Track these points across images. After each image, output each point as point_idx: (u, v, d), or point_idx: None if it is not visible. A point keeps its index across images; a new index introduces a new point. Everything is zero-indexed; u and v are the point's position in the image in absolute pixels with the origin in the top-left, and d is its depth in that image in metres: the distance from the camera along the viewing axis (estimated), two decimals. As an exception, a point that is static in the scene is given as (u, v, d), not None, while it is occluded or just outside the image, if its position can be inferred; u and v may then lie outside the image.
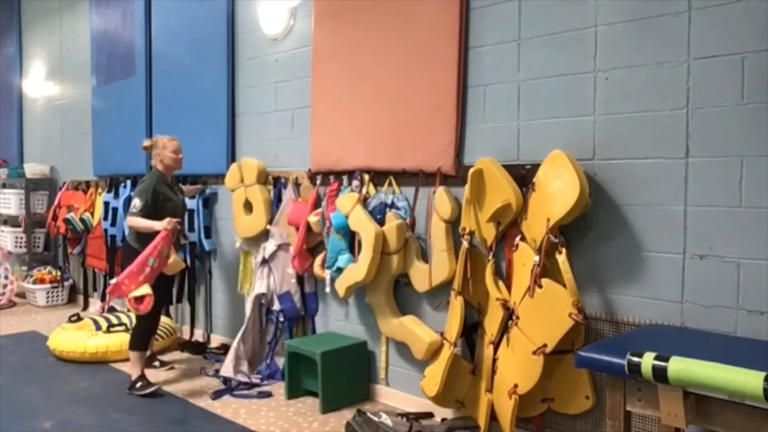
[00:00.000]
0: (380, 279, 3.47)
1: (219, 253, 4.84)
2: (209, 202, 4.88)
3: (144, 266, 3.70)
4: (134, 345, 3.89)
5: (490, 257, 2.99)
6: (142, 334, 3.92)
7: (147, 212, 3.79)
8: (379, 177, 3.62)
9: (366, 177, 3.66)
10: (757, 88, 2.30)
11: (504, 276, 3.02)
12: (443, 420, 3.23)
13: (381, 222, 3.48)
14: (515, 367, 2.76)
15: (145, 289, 3.67)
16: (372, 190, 3.64)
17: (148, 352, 4.17)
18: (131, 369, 3.89)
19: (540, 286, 2.62)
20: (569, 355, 2.70)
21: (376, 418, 3.13)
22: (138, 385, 3.80)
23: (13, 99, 7.61)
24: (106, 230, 5.54)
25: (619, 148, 2.66)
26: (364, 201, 3.57)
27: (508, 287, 2.94)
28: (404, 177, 3.51)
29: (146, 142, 4.05)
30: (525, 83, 2.98)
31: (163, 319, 4.98)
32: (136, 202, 3.81)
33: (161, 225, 3.72)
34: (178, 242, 4.02)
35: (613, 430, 2.06)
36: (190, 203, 4.87)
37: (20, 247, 6.81)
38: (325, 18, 3.92)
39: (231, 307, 4.72)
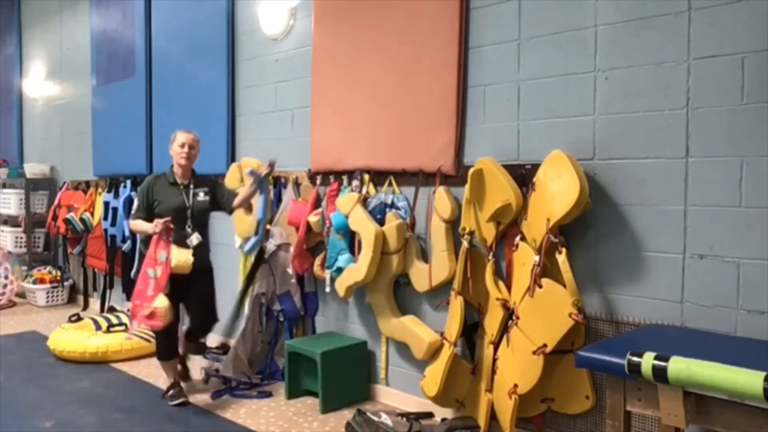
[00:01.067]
0: (380, 279, 3.47)
1: (219, 253, 4.82)
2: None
3: (147, 279, 3.50)
4: (157, 355, 3.82)
5: (490, 257, 2.99)
6: (161, 343, 3.74)
7: (147, 214, 3.61)
8: (379, 177, 3.62)
9: (366, 177, 3.66)
10: (757, 88, 2.30)
11: (504, 276, 3.02)
12: (443, 420, 3.23)
13: (381, 222, 3.48)
14: (515, 367, 2.76)
15: (159, 301, 3.41)
16: (372, 190, 3.64)
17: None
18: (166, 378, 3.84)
19: (540, 286, 2.62)
20: (569, 355, 2.70)
21: (376, 418, 3.13)
22: (169, 393, 3.70)
23: (13, 99, 7.62)
24: (106, 230, 5.54)
25: (619, 148, 2.66)
26: (364, 201, 3.57)
27: (508, 287, 2.94)
28: (404, 177, 3.51)
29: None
30: (525, 83, 2.98)
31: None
32: (135, 204, 3.76)
33: (151, 228, 3.49)
34: (182, 240, 3.59)
35: (613, 430, 2.06)
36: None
37: (20, 247, 6.81)
38: (325, 18, 3.92)
39: (231, 307, 4.71)
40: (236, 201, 3.70)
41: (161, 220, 3.46)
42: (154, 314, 3.42)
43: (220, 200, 3.72)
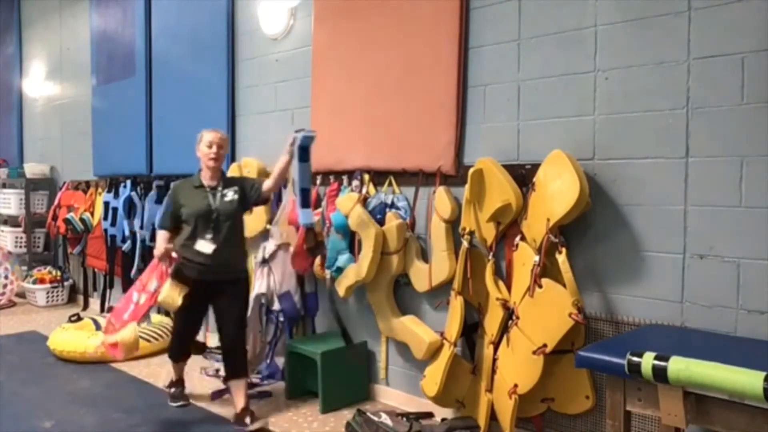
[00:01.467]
0: (380, 279, 3.47)
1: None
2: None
3: (129, 302, 3.31)
4: (168, 352, 3.73)
5: (490, 257, 2.99)
6: (173, 343, 3.66)
7: (173, 223, 3.39)
8: (379, 177, 3.62)
9: (366, 177, 3.66)
10: (757, 88, 2.30)
11: (504, 276, 3.02)
12: (443, 420, 3.22)
13: (381, 222, 3.48)
14: (515, 367, 2.76)
15: (126, 333, 3.25)
16: (372, 190, 3.64)
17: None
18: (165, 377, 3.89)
19: (540, 286, 2.62)
20: (569, 354, 2.70)
21: (376, 418, 3.13)
22: (171, 391, 3.70)
23: (13, 99, 7.61)
24: (106, 230, 5.53)
25: (619, 148, 2.66)
26: (364, 201, 3.57)
27: (508, 287, 2.94)
28: (404, 177, 3.51)
29: None
30: (525, 83, 2.98)
31: (163, 319, 4.99)
32: (161, 212, 3.48)
33: (156, 250, 3.37)
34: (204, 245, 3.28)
35: (613, 430, 2.06)
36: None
37: (20, 247, 6.81)
38: (325, 18, 3.92)
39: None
40: (268, 183, 3.39)
41: (164, 247, 3.33)
42: (116, 345, 3.34)
43: (250, 192, 3.39)
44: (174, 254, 3.34)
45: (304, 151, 3.27)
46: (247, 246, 3.56)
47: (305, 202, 3.32)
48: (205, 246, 3.25)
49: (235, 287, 3.40)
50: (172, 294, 3.23)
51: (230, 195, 3.35)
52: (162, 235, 3.42)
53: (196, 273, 3.29)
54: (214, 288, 3.34)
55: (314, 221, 3.40)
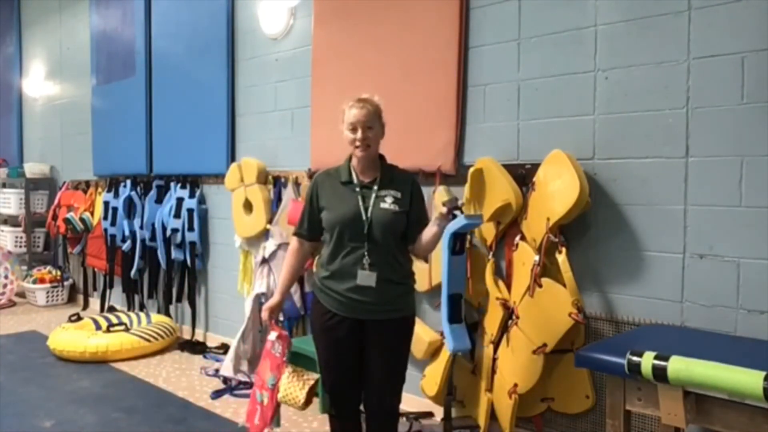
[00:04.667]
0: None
1: (219, 253, 4.84)
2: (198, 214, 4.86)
3: (255, 402, 2.73)
4: None
5: (490, 257, 2.99)
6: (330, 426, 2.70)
7: (312, 230, 2.53)
8: (379, 177, 3.62)
9: (366, 177, 3.65)
10: (757, 88, 2.30)
11: (504, 275, 3.02)
12: (443, 420, 3.22)
13: (381, 222, 3.47)
14: (515, 367, 2.77)
15: None
16: (372, 189, 3.63)
17: None
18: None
19: (540, 286, 2.63)
20: (569, 354, 2.70)
21: (376, 418, 3.12)
22: None
23: (13, 99, 7.61)
24: (106, 230, 5.54)
25: (619, 147, 2.67)
26: (364, 201, 3.55)
27: (508, 286, 2.94)
28: (404, 177, 3.50)
29: None
30: (525, 83, 2.98)
31: (164, 318, 5.00)
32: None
33: (266, 304, 2.66)
34: (353, 273, 2.37)
35: (613, 430, 2.06)
36: (189, 203, 4.86)
37: (20, 246, 6.81)
38: (325, 17, 3.92)
39: (231, 306, 4.72)
40: (420, 242, 2.45)
41: (273, 303, 2.62)
42: None
43: (412, 215, 2.44)
44: (286, 332, 2.72)
45: (458, 240, 2.36)
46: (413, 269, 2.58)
47: (455, 315, 2.31)
48: (365, 277, 2.36)
49: (395, 331, 2.46)
50: (293, 389, 2.62)
51: (389, 200, 2.40)
52: (292, 252, 2.59)
53: (343, 309, 2.42)
54: (366, 327, 2.43)
55: (469, 346, 2.46)
